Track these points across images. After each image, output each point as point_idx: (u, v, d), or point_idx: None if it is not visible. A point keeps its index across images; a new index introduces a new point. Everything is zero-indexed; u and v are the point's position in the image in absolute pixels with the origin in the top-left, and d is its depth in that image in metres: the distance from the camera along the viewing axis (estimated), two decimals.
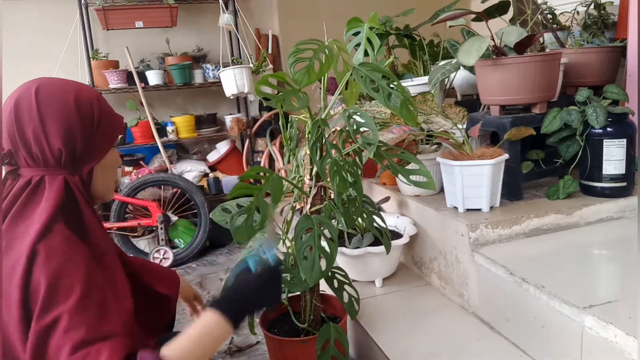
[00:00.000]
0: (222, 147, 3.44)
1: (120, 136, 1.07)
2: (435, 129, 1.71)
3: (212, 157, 3.45)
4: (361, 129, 1.17)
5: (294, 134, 1.40)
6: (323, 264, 1.17)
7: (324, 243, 1.16)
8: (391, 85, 1.15)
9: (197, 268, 2.76)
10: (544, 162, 1.78)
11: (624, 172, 1.59)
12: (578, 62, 1.97)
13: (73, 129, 0.93)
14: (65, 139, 0.93)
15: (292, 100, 1.08)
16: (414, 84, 2.16)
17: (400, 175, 1.23)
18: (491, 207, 1.60)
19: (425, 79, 2.14)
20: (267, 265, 1.02)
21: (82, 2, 3.02)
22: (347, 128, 1.16)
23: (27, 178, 0.93)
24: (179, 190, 2.99)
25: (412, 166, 1.37)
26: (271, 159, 3.40)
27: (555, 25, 2.22)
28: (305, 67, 1.09)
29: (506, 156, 1.58)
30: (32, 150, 0.92)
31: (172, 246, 2.90)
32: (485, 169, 1.52)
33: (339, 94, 1.25)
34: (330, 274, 1.42)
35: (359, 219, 1.30)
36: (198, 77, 3.27)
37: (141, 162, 3.20)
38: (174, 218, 2.98)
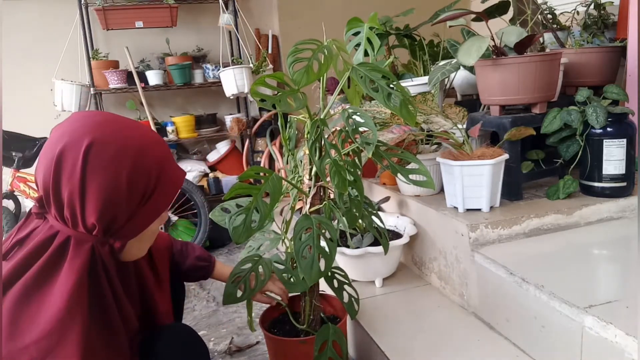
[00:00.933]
0: (222, 147, 3.44)
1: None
2: (435, 129, 1.71)
3: (212, 157, 3.45)
4: (360, 129, 1.17)
5: (293, 134, 1.40)
6: (322, 264, 1.17)
7: (323, 243, 1.16)
8: (391, 85, 1.15)
9: None
10: (544, 162, 1.78)
11: (624, 172, 1.59)
12: (578, 62, 1.97)
13: (116, 205, 0.81)
14: (103, 215, 0.80)
15: (289, 100, 1.08)
16: (414, 84, 2.16)
17: (399, 175, 1.23)
18: (491, 207, 1.60)
19: (425, 79, 2.14)
20: None
21: (82, 2, 3.02)
22: (347, 128, 1.16)
23: (53, 231, 0.83)
24: (179, 190, 2.98)
25: (412, 166, 1.37)
26: (271, 159, 3.40)
27: (555, 25, 2.22)
28: (304, 67, 1.08)
29: (506, 156, 1.58)
30: (64, 212, 0.81)
31: None
32: (485, 169, 1.52)
33: (338, 94, 1.25)
34: (330, 274, 1.42)
35: (360, 220, 1.29)
36: (198, 77, 3.27)
37: None
38: (174, 218, 2.98)
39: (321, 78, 1.21)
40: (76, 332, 0.78)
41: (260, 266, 1.28)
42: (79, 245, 0.82)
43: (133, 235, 0.86)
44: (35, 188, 0.94)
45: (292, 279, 1.29)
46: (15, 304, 0.77)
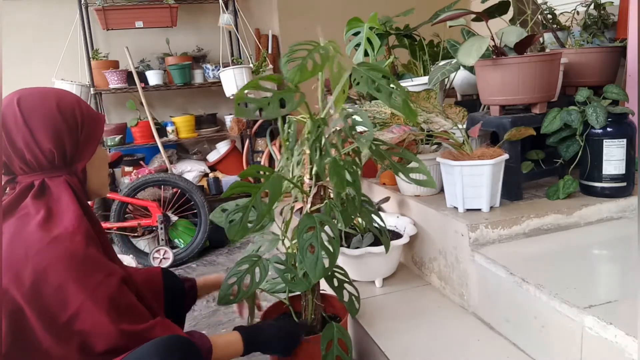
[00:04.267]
0: (222, 147, 3.44)
1: (103, 133, 1.16)
2: (435, 129, 1.71)
3: (212, 157, 3.45)
4: (359, 129, 1.17)
5: (293, 134, 1.40)
6: (326, 262, 1.17)
7: (326, 242, 1.17)
8: (391, 85, 1.15)
9: (197, 268, 2.76)
10: (544, 162, 1.78)
11: (624, 172, 1.59)
12: (578, 62, 1.97)
13: (60, 131, 0.98)
14: (55, 141, 0.97)
15: (276, 104, 1.05)
16: (414, 84, 2.16)
17: (401, 174, 1.23)
18: (491, 207, 1.60)
19: (425, 79, 2.14)
20: (295, 327, 1.28)
21: (82, 2, 3.02)
22: (344, 127, 1.16)
23: (28, 183, 0.98)
24: (179, 190, 2.99)
25: (411, 166, 1.37)
26: (271, 159, 3.40)
27: (555, 25, 2.22)
28: (297, 65, 1.08)
29: (506, 156, 1.58)
30: (26, 158, 0.96)
31: (172, 246, 2.90)
32: (485, 169, 1.52)
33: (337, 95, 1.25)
34: (330, 272, 1.43)
35: (359, 219, 1.30)
36: (198, 77, 3.27)
37: (141, 162, 3.20)
38: (174, 218, 2.98)
39: (320, 78, 1.21)
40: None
41: (257, 267, 1.28)
42: (53, 181, 0.98)
43: (85, 157, 1.03)
44: None
45: (294, 279, 1.29)
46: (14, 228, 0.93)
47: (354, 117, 1.17)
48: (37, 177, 0.98)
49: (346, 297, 1.46)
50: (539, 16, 2.13)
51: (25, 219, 0.93)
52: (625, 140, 1.57)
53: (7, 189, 0.99)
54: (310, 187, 1.29)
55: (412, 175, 1.24)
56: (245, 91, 1.04)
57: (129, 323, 0.95)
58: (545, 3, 2.26)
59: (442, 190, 1.72)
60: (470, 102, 2.19)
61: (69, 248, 0.90)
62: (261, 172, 1.18)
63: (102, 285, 0.93)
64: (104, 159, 1.12)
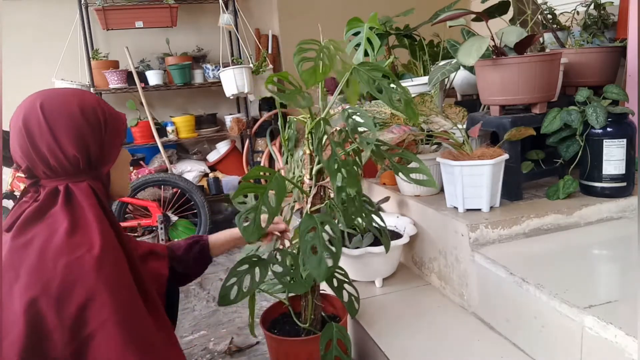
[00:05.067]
0: (222, 147, 3.44)
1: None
2: (435, 129, 1.71)
3: (212, 157, 3.45)
4: (360, 129, 1.17)
5: (293, 134, 1.40)
6: (329, 262, 1.17)
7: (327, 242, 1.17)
8: (392, 85, 1.15)
9: None
10: (544, 162, 1.78)
11: (624, 172, 1.59)
12: (578, 62, 1.97)
13: (84, 134, 0.97)
14: (79, 146, 0.96)
15: (299, 98, 1.08)
16: (414, 84, 2.16)
17: (401, 174, 1.23)
18: (491, 207, 1.60)
19: (425, 79, 2.14)
20: None
21: (82, 2, 3.02)
22: (347, 128, 1.16)
23: (52, 187, 0.96)
24: (179, 190, 2.99)
25: (412, 166, 1.37)
26: (271, 159, 3.40)
27: (555, 25, 2.22)
28: (311, 67, 1.09)
29: (506, 156, 1.58)
30: (50, 163, 0.95)
31: None
32: (485, 169, 1.52)
33: (339, 93, 1.25)
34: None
35: (359, 219, 1.29)
36: (198, 77, 3.27)
37: (141, 162, 3.20)
38: (174, 218, 2.98)
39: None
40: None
41: (257, 267, 1.28)
42: (77, 186, 0.97)
43: (111, 160, 1.03)
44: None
45: (292, 280, 1.29)
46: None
47: (355, 117, 1.17)
48: (60, 182, 0.97)
49: (346, 298, 1.45)
50: (539, 16, 2.13)
51: (54, 226, 0.92)
52: (625, 140, 1.57)
53: (30, 192, 0.98)
54: (310, 188, 1.29)
55: (413, 175, 1.24)
56: (270, 86, 1.08)
57: (140, 353, 0.92)
58: (545, 3, 2.26)
59: (442, 190, 1.72)
60: (470, 102, 2.19)
61: (96, 267, 0.89)
62: (264, 173, 1.18)
63: (126, 307, 0.92)
64: (126, 160, 1.12)
